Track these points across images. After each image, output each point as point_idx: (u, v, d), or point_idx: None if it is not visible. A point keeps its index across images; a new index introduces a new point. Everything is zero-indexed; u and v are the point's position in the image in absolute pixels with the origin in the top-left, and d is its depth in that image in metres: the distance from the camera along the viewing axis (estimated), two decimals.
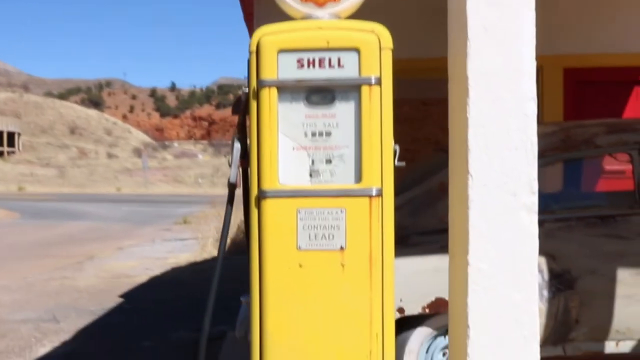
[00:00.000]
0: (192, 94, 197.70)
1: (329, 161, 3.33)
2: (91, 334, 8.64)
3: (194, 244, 18.50)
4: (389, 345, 3.38)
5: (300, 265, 3.33)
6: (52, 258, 16.36)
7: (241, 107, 3.52)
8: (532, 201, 3.37)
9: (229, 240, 16.29)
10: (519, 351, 3.42)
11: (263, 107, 3.34)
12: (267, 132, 3.33)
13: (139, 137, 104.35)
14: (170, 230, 24.12)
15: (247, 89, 3.41)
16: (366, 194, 3.30)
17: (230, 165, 3.53)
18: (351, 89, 3.33)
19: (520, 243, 3.39)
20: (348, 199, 3.31)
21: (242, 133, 3.58)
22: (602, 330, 5.11)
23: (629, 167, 6.52)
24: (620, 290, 5.14)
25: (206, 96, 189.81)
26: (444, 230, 5.00)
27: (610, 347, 5.22)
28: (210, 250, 16.44)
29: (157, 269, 14.34)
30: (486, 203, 3.37)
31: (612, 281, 5.10)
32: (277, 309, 3.35)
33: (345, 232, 3.31)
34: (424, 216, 5.19)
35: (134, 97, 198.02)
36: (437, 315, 4.93)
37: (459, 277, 3.54)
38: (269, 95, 3.33)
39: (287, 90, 3.34)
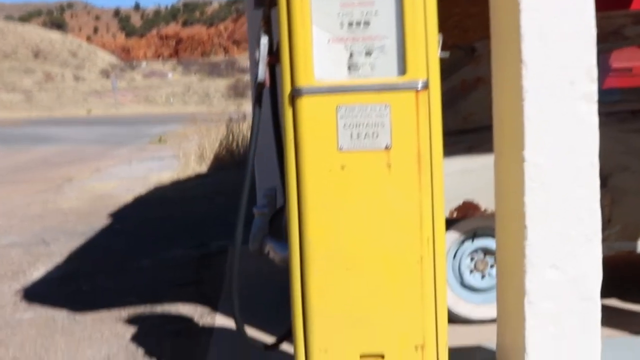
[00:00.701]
0: (157, 12, 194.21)
1: (368, 53, 3.05)
2: (85, 255, 8.39)
3: (174, 162, 18.18)
4: (440, 250, 3.17)
5: (342, 167, 3.08)
6: (29, 182, 15.99)
7: None
8: (592, 90, 3.14)
9: (212, 156, 16.07)
10: (581, 251, 3.23)
11: None
12: (299, 23, 3.03)
13: (105, 58, 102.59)
14: (147, 150, 23.72)
15: None
16: (412, 88, 3.03)
17: (257, 62, 3.23)
18: None
19: (580, 135, 3.17)
20: (392, 94, 3.04)
21: (268, 26, 3.27)
22: (635, 229, 4.94)
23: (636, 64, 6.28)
24: None
25: (172, 14, 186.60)
26: (468, 131, 4.79)
27: None
28: (193, 167, 16.15)
29: (140, 189, 14.03)
30: (542, 93, 3.13)
31: None
32: (318, 215, 3.12)
33: (391, 129, 3.06)
34: (447, 116, 4.92)
35: (97, 18, 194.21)
36: (465, 219, 4.72)
37: (510, 175, 3.32)
38: None
39: None
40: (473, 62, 4.98)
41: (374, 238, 3.13)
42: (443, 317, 3.26)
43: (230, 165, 15.50)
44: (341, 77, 3.06)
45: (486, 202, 4.79)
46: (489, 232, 4.96)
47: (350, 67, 3.05)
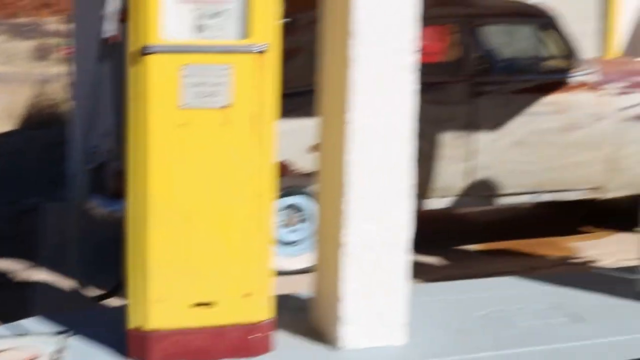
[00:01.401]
0: None
1: (215, 15, 2.98)
2: None
3: None
4: (268, 206, 3.21)
5: (185, 124, 3.01)
6: None
7: None
8: (413, 60, 3.25)
9: (19, 115, 15.16)
10: (396, 205, 3.33)
11: None
12: None
13: None
14: None
15: None
16: (254, 50, 3.00)
17: (102, 19, 3.05)
18: None
19: (400, 101, 3.26)
20: (235, 55, 3.00)
21: None
22: (424, 188, 5.13)
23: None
24: (443, 152, 5.18)
25: None
26: (286, 96, 4.78)
27: (431, 203, 5.28)
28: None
29: None
30: (367, 62, 3.19)
31: (436, 143, 5.12)
32: (160, 169, 3.04)
33: (231, 89, 3.02)
34: None
35: None
36: (279, 178, 4.72)
37: (333, 136, 3.37)
38: None
39: None
40: (293, 32, 4.95)
41: (211, 193, 3.09)
42: (269, 268, 3.27)
43: (37, 125, 14.68)
44: (187, 37, 2.97)
45: (297, 163, 4.83)
46: (300, 191, 5.01)
47: (196, 28, 2.97)
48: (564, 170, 5.57)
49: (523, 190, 5.54)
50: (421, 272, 4.51)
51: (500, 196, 5.51)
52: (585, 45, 8.13)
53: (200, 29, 2.95)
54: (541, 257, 5.57)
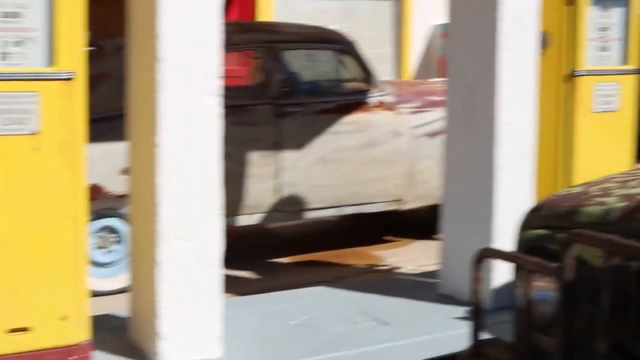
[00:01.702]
0: None
1: (20, 43, 2.97)
2: None
3: None
4: (81, 230, 3.22)
5: None
6: None
7: None
8: (217, 85, 3.37)
9: None
10: (204, 224, 3.45)
11: None
12: None
13: None
14: None
15: None
16: (60, 78, 3.03)
17: None
18: None
19: (206, 124, 3.39)
20: (42, 83, 3.02)
21: None
22: (234, 206, 5.23)
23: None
24: (252, 171, 5.32)
25: None
26: (93, 121, 4.77)
27: (243, 220, 5.40)
28: None
29: None
30: (174, 87, 3.29)
31: (245, 163, 5.25)
32: None
33: (40, 116, 3.02)
34: None
35: None
36: (91, 201, 4.69)
37: (144, 158, 3.43)
38: None
39: None
40: (100, 58, 4.94)
41: (23, 218, 3.07)
42: (84, 291, 3.28)
43: None
44: None
45: (109, 186, 4.82)
46: (113, 213, 4.99)
47: (2, 56, 2.94)
48: (365, 185, 5.86)
49: (328, 204, 5.77)
50: (234, 286, 4.62)
51: (306, 211, 5.71)
52: (382, 68, 8.66)
53: (6, 56, 2.94)
54: (348, 267, 5.81)
